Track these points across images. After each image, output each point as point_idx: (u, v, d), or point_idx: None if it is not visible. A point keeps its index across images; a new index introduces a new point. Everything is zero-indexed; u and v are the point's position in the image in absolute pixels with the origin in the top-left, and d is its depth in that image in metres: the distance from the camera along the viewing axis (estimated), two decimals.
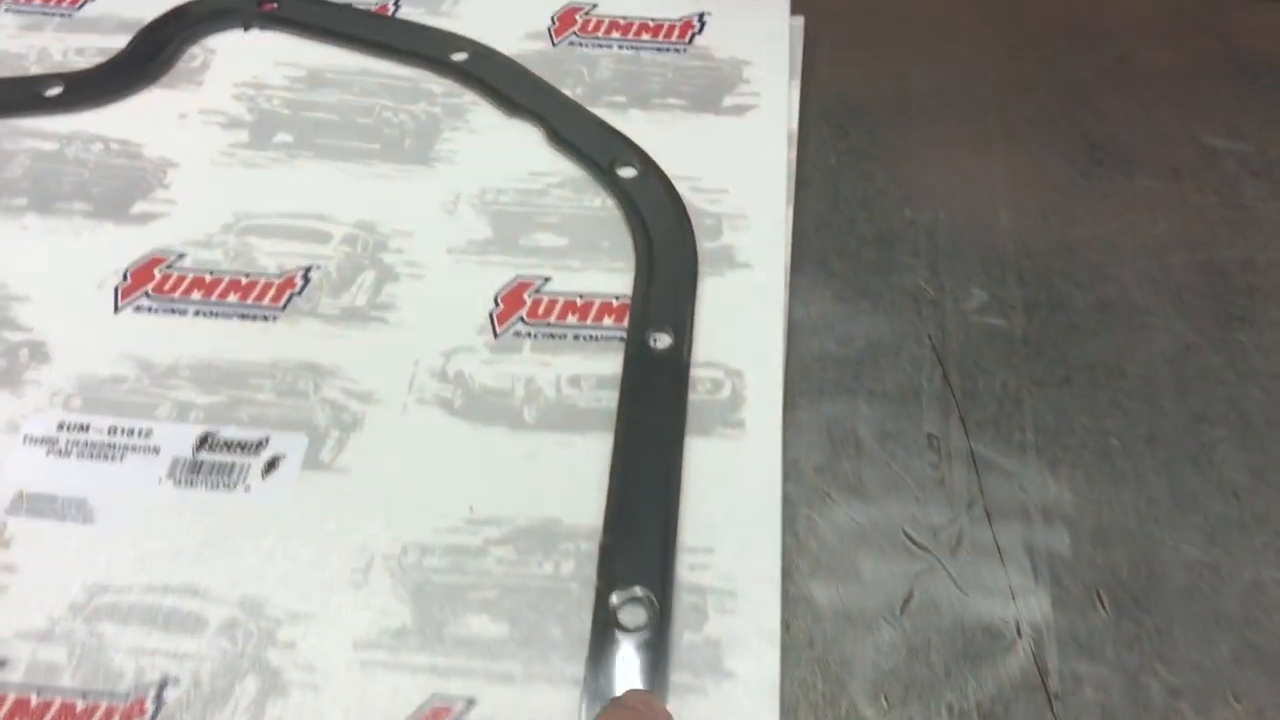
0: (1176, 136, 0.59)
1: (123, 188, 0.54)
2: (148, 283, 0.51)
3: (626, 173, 0.55)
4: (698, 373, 0.48)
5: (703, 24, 0.62)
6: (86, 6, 0.63)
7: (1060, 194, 0.56)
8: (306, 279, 0.51)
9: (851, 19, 0.64)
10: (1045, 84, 0.62)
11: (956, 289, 0.52)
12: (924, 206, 0.55)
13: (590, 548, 0.43)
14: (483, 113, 0.58)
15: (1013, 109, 0.60)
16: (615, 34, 0.62)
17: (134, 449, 0.46)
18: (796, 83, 0.59)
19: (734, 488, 0.44)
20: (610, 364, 0.48)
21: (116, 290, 0.51)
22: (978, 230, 0.54)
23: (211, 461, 0.45)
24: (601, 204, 0.54)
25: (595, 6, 0.63)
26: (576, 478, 0.45)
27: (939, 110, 0.60)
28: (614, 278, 0.51)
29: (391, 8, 0.63)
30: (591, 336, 0.49)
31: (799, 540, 0.44)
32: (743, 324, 0.49)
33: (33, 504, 0.44)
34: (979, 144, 0.58)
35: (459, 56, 0.60)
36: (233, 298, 0.51)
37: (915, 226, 0.55)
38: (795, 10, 0.63)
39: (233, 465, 0.45)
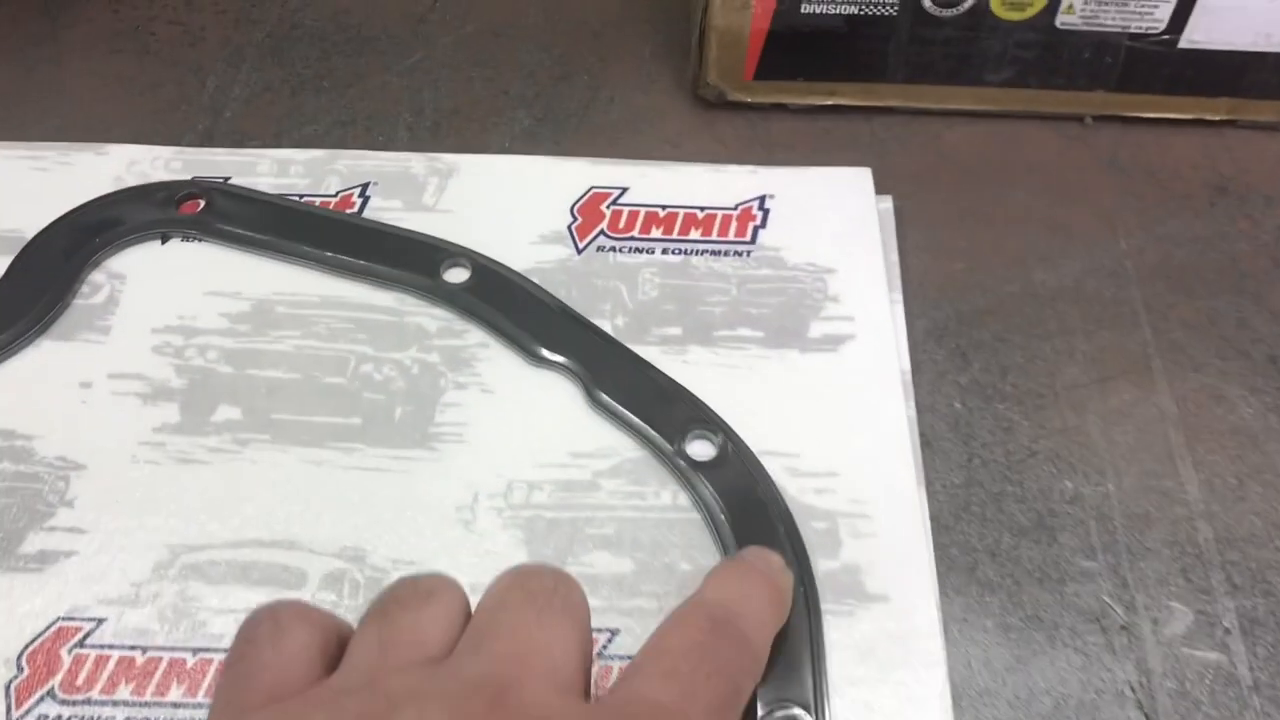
0: None
1: (6, 513, 0.39)
2: (54, 673, 0.36)
3: (700, 451, 0.41)
4: None
5: (765, 213, 0.48)
6: None
7: (1250, 443, 0.43)
8: None
9: (945, 188, 0.51)
10: (1195, 270, 0.49)
11: (1151, 604, 0.39)
12: (1086, 472, 0.42)
13: None
14: (495, 359, 0.44)
15: (1165, 309, 0.47)
16: (656, 231, 0.47)
17: None
18: (898, 295, 0.46)
19: None
20: None
21: (10, 689, 0.36)
22: (1160, 507, 0.42)
23: None
24: (672, 500, 0.40)
25: (625, 191, 0.48)
26: None
27: (1074, 315, 0.47)
28: None
29: (357, 200, 0.48)
30: None
31: None
32: (894, 703, 0.36)
33: None
34: (1135, 366, 0.45)
35: (456, 275, 0.45)
36: (176, 692, 0.36)
37: (1080, 504, 0.42)
38: (879, 183, 0.49)
39: None
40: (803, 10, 0.49)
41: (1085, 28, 0.49)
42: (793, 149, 0.52)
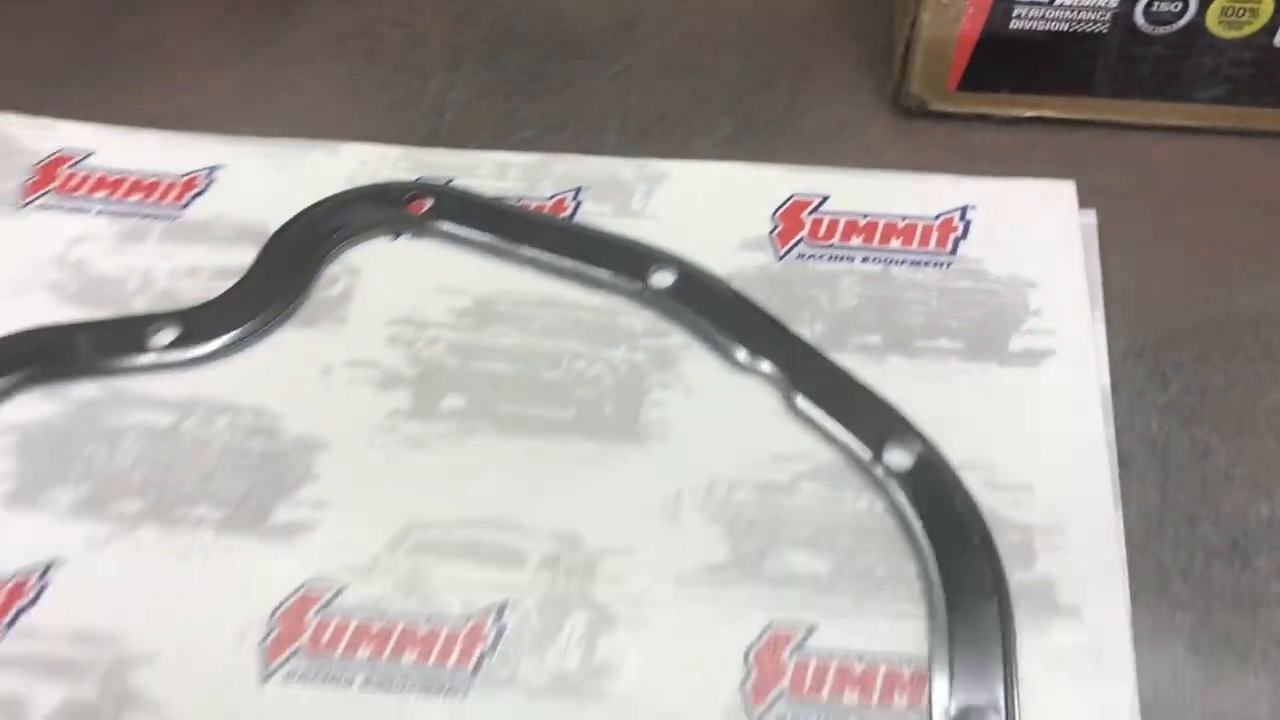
0: None
1: (260, 484, 0.43)
2: (300, 635, 0.40)
3: (898, 460, 0.42)
4: None
5: (966, 225, 0.49)
6: (195, 203, 0.52)
7: None
8: (500, 626, 0.40)
9: (1148, 204, 0.51)
10: None
11: None
12: None
13: None
14: (698, 361, 0.46)
15: None
16: (856, 240, 0.49)
17: None
18: (1099, 313, 0.46)
19: None
20: None
21: (262, 646, 0.39)
22: None
23: None
24: (868, 507, 0.42)
25: (825, 200, 0.50)
26: None
27: (1278, 341, 0.46)
28: (899, 628, 0.39)
29: (570, 204, 0.51)
30: None
31: None
32: (1084, 714, 0.37)
33: None
34: None
35: (661, 280, 0.48)
36: (409, 657, 0.39)
37: (1277, 529, 0.42)
38: (1081, 198, 0.49)
39: None
40: (1011, 25, 0.49)
41: None
42: (994, 161, 0.52)
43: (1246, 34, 0.49)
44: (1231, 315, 0.47)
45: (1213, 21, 0.48)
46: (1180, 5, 0.48)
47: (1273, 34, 0.48)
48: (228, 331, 0.47)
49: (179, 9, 0.61)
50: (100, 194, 0.52)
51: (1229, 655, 0.39)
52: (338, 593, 0.41)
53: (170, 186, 0.52)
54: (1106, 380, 0.45)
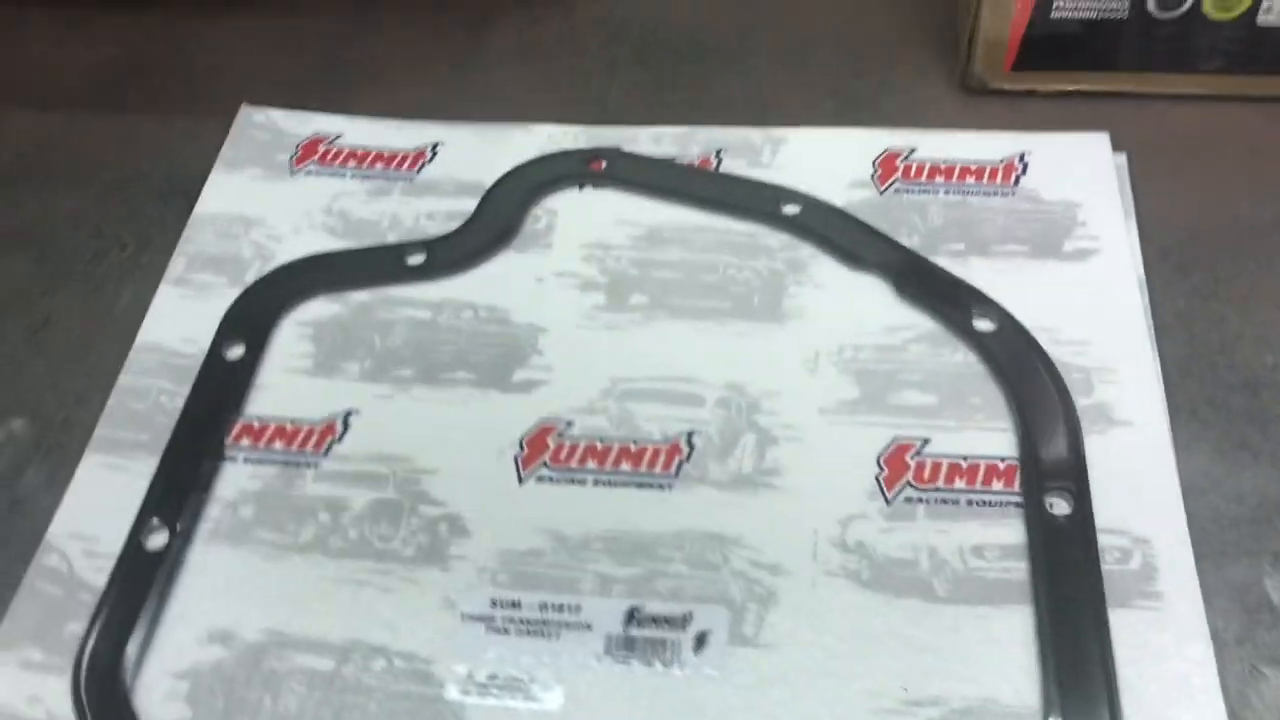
0: None
1: (500, 355, 0.57)
2: (544, 452, 0.54)
3: (983, 326, 0.56)
4: (1102, 540, 0.48)
5: (1025, 165, 0.63)
6: (425, 169, 0.67)
7: None
8: (691, 445, 0.53)
9: (1169, 151, 0.65)
10: None
11: None
12: None
13: None
14: (824, 266, 0.60)
15: None
16: (939, 179, 0.63)
17: (567, 626, 0.48)
18: (1132, 223, 0.60)
19: (1165, 665, 0.45)
20: (1010, 532, 0.49)
21: (516, 460, 0.53)
22: None
23: (643, 638, 0.47)
24: (963, 359, 0.55)
25: (914, 151, 0.64)
26: (1004, 654, 0.46)
27: (1274, 243, 0.60)
28: (994, 438, 0.52)
29: (714, 161, 0.65)
30: (985, 502, 0.50)
31: (1236, 716, 0.44)
32: (1138, 487, 0.50)
33: (481, 685, 0.47)
34: None
35: (791, 210, 0.62)
36: (626, 466, 0.53)
37: (1279, 372, 0.55)
38: (1115, 146, 0.64)
39: (664, 641, 0.47)
40: (1052, 15, 0.64)
41: None
42: (1044, 127, 0.67)
43: (1235, 15, 0.63)
44: (1236, 225, 0.61)
45: (1209, 6, 0.63)
46: None
47: (1255, 14, 0.63)
48: (464, 254, 0.61)
49: (398, 30, 0.77)
50: (351, 164, 0.67)
51: (1245, 455, 0.52)
52: (568, 425, 0.54)
53: (404, 157, 0.67)
54: (1141, 272, 0.58)
